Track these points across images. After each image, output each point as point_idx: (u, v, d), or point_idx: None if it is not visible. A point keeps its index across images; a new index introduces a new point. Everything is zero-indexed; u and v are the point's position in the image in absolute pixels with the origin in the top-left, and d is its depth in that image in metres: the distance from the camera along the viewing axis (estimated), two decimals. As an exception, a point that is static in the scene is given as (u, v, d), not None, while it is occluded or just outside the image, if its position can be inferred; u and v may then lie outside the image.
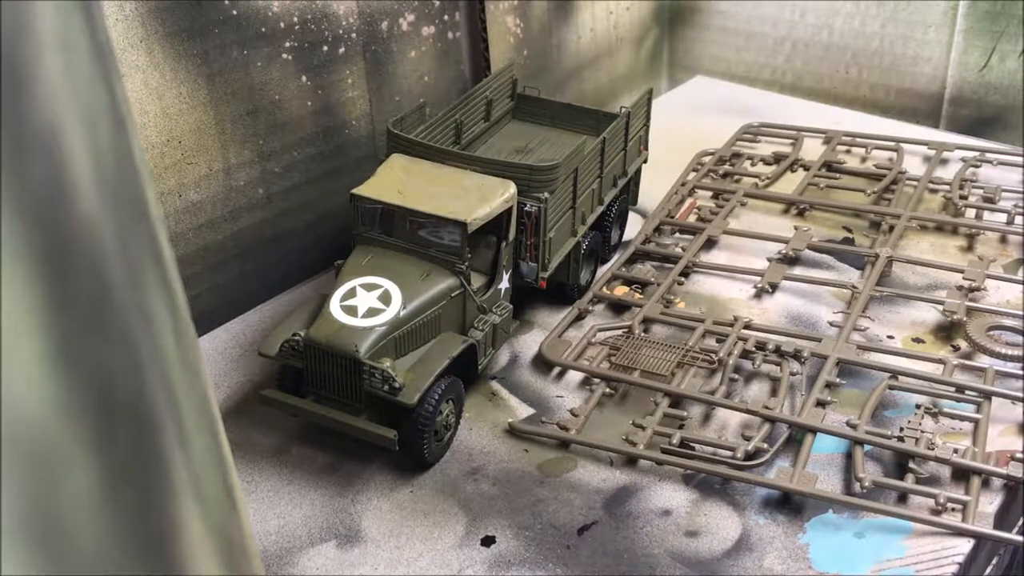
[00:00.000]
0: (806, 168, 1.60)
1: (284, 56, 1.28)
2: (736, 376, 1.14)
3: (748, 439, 1.02)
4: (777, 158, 1.63)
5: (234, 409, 1.12)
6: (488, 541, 0.93)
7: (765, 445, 1.02)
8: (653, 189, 1.52)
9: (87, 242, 0.28)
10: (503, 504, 0.98)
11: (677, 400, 1.10)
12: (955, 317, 1.19)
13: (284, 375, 1.06)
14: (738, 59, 2.02)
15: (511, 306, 1.16)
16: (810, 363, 1.14)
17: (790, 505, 0.97)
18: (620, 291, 1.32)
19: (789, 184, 1.56)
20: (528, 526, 0.95)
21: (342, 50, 1.35)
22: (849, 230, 1.45)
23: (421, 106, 1.27)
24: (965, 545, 0.91)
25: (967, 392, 1.08)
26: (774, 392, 1.10)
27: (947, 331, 1.21)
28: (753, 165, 1.63)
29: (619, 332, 1.22)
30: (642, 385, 1.11)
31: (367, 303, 1.02)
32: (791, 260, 1.36)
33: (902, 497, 0.97)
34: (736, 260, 1.38)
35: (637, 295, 1.31)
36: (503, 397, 1.13)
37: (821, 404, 1.07)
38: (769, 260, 1.36)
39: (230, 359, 1.21)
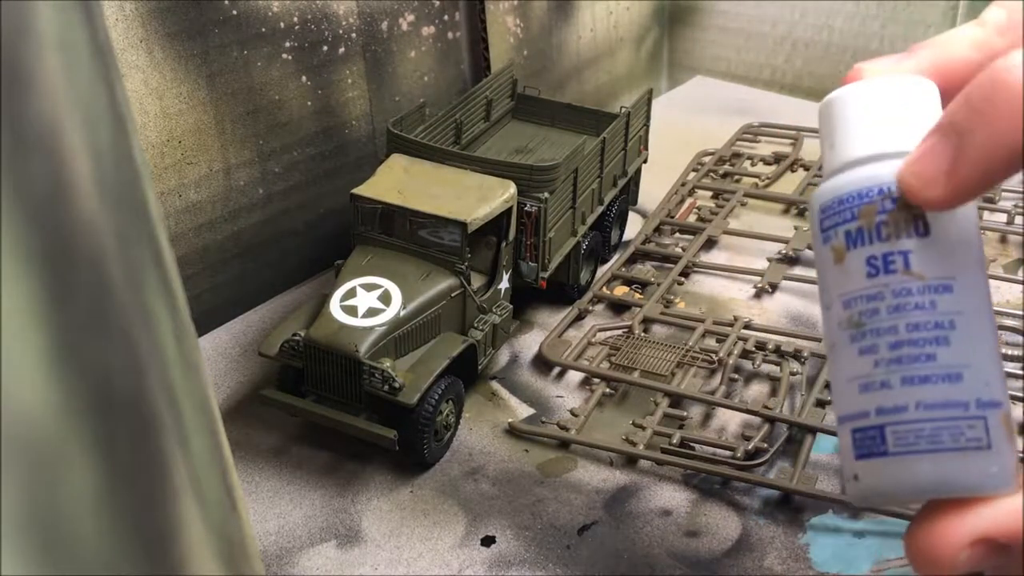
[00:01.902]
0: (806, 168, 1.60)
1: (284, 56, 1.28)
2: (736, 376, 1.14)
3: (748, 439, 1.02)
4: (777, 158, 1.63)
5: (234, 409, 1.12)
6: (488, 541, 0.93)
7: (765, 445, 1.02)
8: (653, 189, 1.52)
9: (87, 242, 0.28)
10: (503, 504, 0.98)
11: (677, 400, 1.10)
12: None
13: (284, 375, 1.06)
14: (738, 59, 2.02)
15: (511, 306, 1.16)
16: (810, 363, 1.14)
17: (790, 505, 0.97)
18: (620, 291, 1.32)
19: (789, 184, 1.56)
20: (528, 526, 0.95)
21: (342, 50, 1.35)
22: (849, 230, 1.45)
23: (421, 106, 1.27)
24: (965, 545, 0.91)
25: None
26: (774, 392, 1.10)
27: (947, 331, 1.21)
28: (753, 165, 1.63)
29: (619, 332, 1.22)
30: (642, 385, 1.11)
31: (367, 303, 1.02)
32: (791, 260, 1.36)
33: (902, 497, 0.97)
34: (736, 260, 1.38)
35: (637, 295, 1.31)
36: (503, 397, 1.13)
37: (821, 404, 1.07)
38: (769, 260, 1.36)
39: (230, 359, 1.21)
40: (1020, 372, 1.10)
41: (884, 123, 0.50)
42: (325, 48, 1.33)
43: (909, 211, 0.48)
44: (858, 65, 0.53)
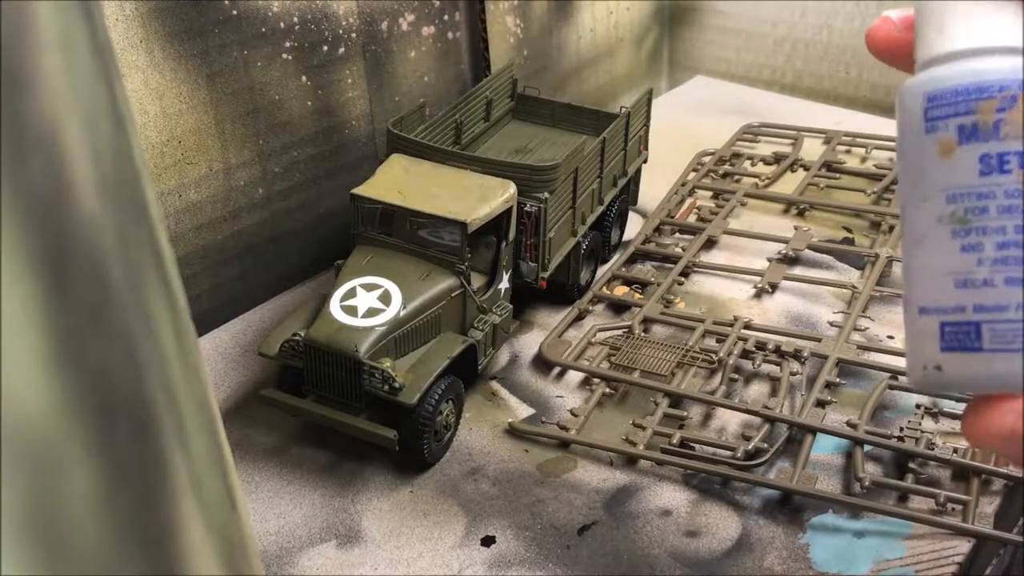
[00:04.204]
0: (806, 168, 1.60)
1: (284, 56, 1.28)
2: (736, 376, 1.14)
3: (748, 439, 1.02)
4: (777, 158, 1.63)
5: (234, 409, 1.12)
6: (488, 541, 0.93)
7: (765, 445, 1.02)
8: (653, 189, 1.52)
9: (87, 242, 0.28)
10: (503, 504, 0.98)
11: (677, 400, 1.10)
12: (955, 317, 1.19)
13: (284, 375, 1.06)
14: (738, 59, 2.02)
15: (511, 306, 1.16)
16: (810, 363, 1.14)
17: (790, 505, 0.97)
18: (620, 291, 1.32)
19: (789, 184, 1.56)
20: (528, 526, 0.95)
21: (342, 50, 1.35)
22: (849, 230, 1.45)
23: (421, 106, 1.27)
24: (965, 545, 0.91)
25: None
26: (774, 392, 1.10)
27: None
28: (753, 165, 1.63)
29: (619, 332, 1.22)
30: (642, 385, 1.11)
31: (367, 303, 1.02)
32: (791, 260, 1.36)
33: (902, 497, 0.97)
34: (736, 260, 1.38)
35: (637, 295, 1.31)
36: (503, 397, 1.13)
37: (821, 404, 1.07)
38: (769, 260, 1.36)
39: (230, 359, 1.20)
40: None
41: (1007, 14, 0.48)
42: (325, 48, 1.33)
43: None
44: None
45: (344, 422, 0.99)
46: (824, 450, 1.03)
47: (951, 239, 0.49)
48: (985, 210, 0.48)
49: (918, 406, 1.06)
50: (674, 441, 1.02)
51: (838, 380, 1.11)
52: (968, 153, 0.48)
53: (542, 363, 1.18)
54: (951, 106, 0.49)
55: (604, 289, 1.31)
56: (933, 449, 0.99)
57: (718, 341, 1.19)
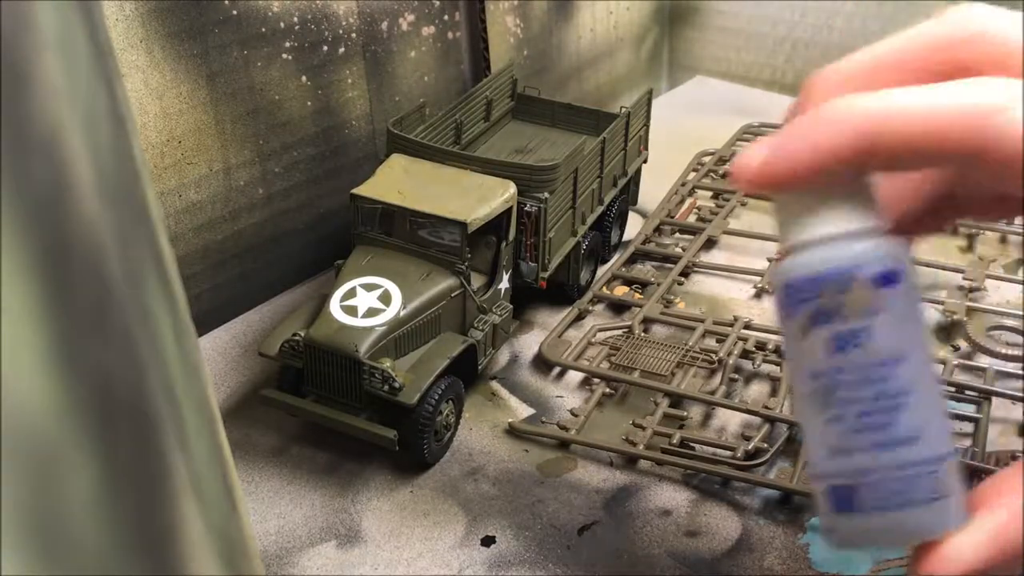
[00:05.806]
0: (806, 168, 1.60)
1: (284, 56, 1.28)
2: (736, 376, 1.14)
3: (748, 439, 1.02)
4: (777, 158, 1.63)
5: (234, 409, 1.12)
6: (488, 541, 0.93)
7: (765, 445, 1.02)
8: (653, 189, 1.51)
9: (87, 242, 0.28)
10: (503, 504, 0.98)
11: (677, 400, 1.10)
12: (955, 317, 1.19)
13: (284, 375, 1.06)
14: (738, 59, 2.02)
15: (511, 306, 1.16)
16: (810, 363, 1.14)
17: (790, 505, 0.97)
18: (620, 291, 1.32)
19: (789, 184, 1.56)
20: (528, 526, 0.95)
21: (342, 50, 1.35)
22: (849, 230, 1.45)
23: (421, 106, 1.27)
24: (965, 545, 0.91)
25: (967, 392, 1.08)
26: (774, 392, 1.10)
27: (947, 331, 1.21)
28: (753, 165, 1.63)
29: (619, 332, 1.22)
30: (642, 385, 1.11)
31: (367, 303, 1.02)
32: (791, 260, 1.36)
33: (902, 497, 0.97)
34: (736, 260, 1.38)
35: (637, 295, 1.31)
36: (503, 397, 1.13)
37: (821, 404, 1.07)
38: (769, 260, 1.36)
39: (230, 359, 1.20)
40: (1020, 372, 1.10)
41: (844, 203, 0.53)
42: (325, 48, 1.33)
43: (869, 291, 0.51)
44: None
45: (344, 422, 0.99)
46: (824, 450, 1.03)
47: (819, 412, 0.54)
48: (842, 385, 0.53)
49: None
50: (674, 441, 1.02)
51: (838, 380, 1.11)
52: (820, 334, 0.52)
53: (542, 363, 1.18)
54: (801, 292, 0.53)
55: (604, 289, 1.31)
56: (933, 449, 0.99)
57: (718, 341, 1.19)
